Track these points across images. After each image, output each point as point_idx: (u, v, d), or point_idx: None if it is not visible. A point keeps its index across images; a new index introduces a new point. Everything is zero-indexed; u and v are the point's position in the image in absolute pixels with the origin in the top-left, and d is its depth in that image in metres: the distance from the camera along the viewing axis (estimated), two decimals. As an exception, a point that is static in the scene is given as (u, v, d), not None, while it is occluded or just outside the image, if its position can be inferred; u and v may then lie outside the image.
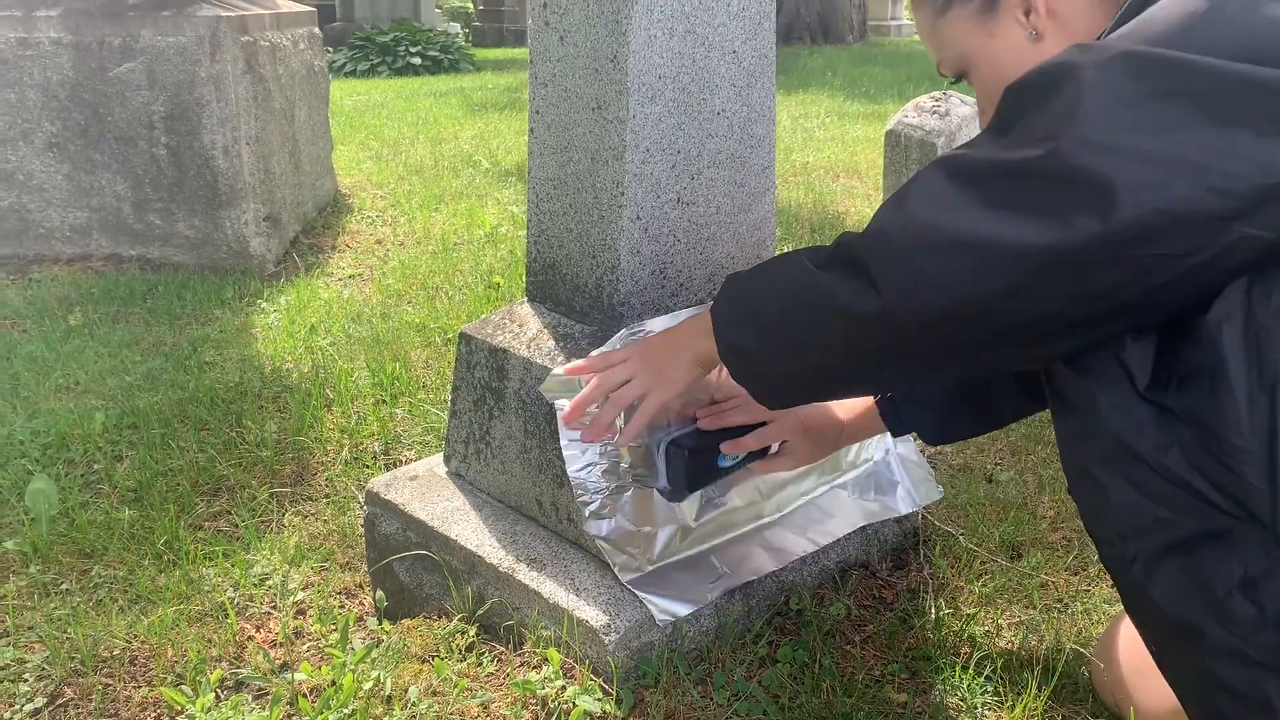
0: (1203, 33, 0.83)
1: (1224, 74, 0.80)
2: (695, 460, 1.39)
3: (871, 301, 0.93)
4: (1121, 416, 0.88)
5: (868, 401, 1.47)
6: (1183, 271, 0.81)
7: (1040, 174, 0.84)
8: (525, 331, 1.55)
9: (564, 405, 1.36)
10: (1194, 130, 0.80)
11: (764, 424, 1.42)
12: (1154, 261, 0.81)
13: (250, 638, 1.61)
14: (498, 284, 3.46)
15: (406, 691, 1.38)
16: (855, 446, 1.68)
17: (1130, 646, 1.30)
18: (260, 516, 2.02)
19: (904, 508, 1.68)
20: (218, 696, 1.46)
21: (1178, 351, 0.86)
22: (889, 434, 1.52)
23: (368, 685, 1.39)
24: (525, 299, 1.64)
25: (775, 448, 1.47)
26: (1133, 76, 0.82)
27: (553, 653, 1.38)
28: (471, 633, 1.48)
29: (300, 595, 1.74)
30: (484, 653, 1.45)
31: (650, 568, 1.44)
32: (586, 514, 1.39)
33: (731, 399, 1.42)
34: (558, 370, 1.38)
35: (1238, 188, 0.79)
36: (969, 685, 1.43)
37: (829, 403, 1.49)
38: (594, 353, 1.39)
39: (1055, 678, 1.42)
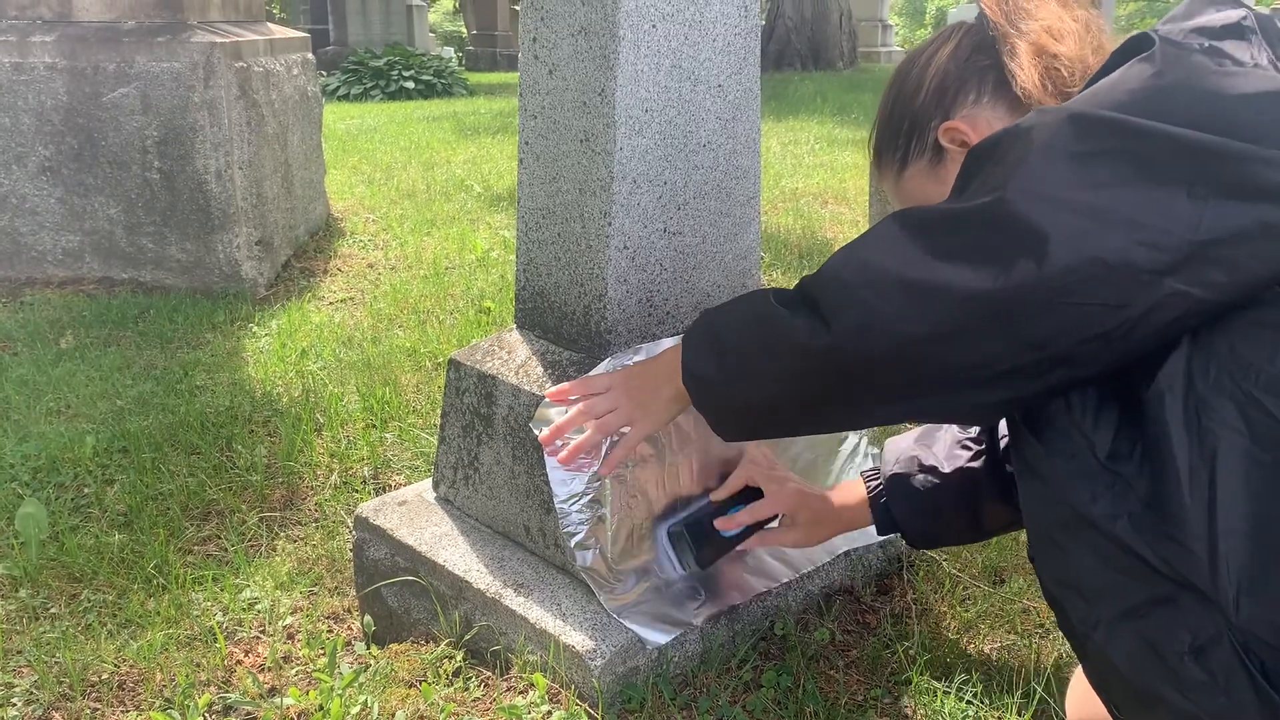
0: (1157, 101, 0.87)
1: (1162, 136, 0.85)
2: (695, 537, 1.46)
3: (821, 336, 0.98)
4: (1078, 484, 0.91)
5: (862, 494, 1.51)
6: (1117, 324, 0.85)
7: (982, 221, 0.89)
8: (514, 358, 1.57)
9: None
10: (1130, 187, 0.85)
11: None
12: (1089, 312, 0.85)
13: (239, 662, 1.62)
14: (489, 308, 3.49)
15: (394, 716, 1.39)
16: (835, 469, 1.71)
17: (1084, 701, 1.31)
18: (250, 541, 2.03)
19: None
20: (206, 721, 1.47)
21: (1132, 422, 0.90)
22: (865, 483, 1.54)
23: (355, 710, 1.40)
24: (515, 325, 1.66)
25: (777, 521, 1.52)
26: (1077, 136, 0.87)
27: (539, 677, 1.39)
28: (459, 657, 1.50)
29: (289, 620, 1.75)
30: (471, 677, 1.47)
31: (634, 595, 1.46)
32: (572, 544, 1.41)
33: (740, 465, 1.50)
34: (547, 402, 1.40)
35: (1168, 243, 0.83)
36: (951, 710, 1.44)
37: (827, 488, 1.55)
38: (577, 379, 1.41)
39: (1035, 702, 1.43)
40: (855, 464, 1.73)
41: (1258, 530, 0.82)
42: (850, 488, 1.53)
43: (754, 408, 1.12)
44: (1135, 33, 0.95)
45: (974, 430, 1.44)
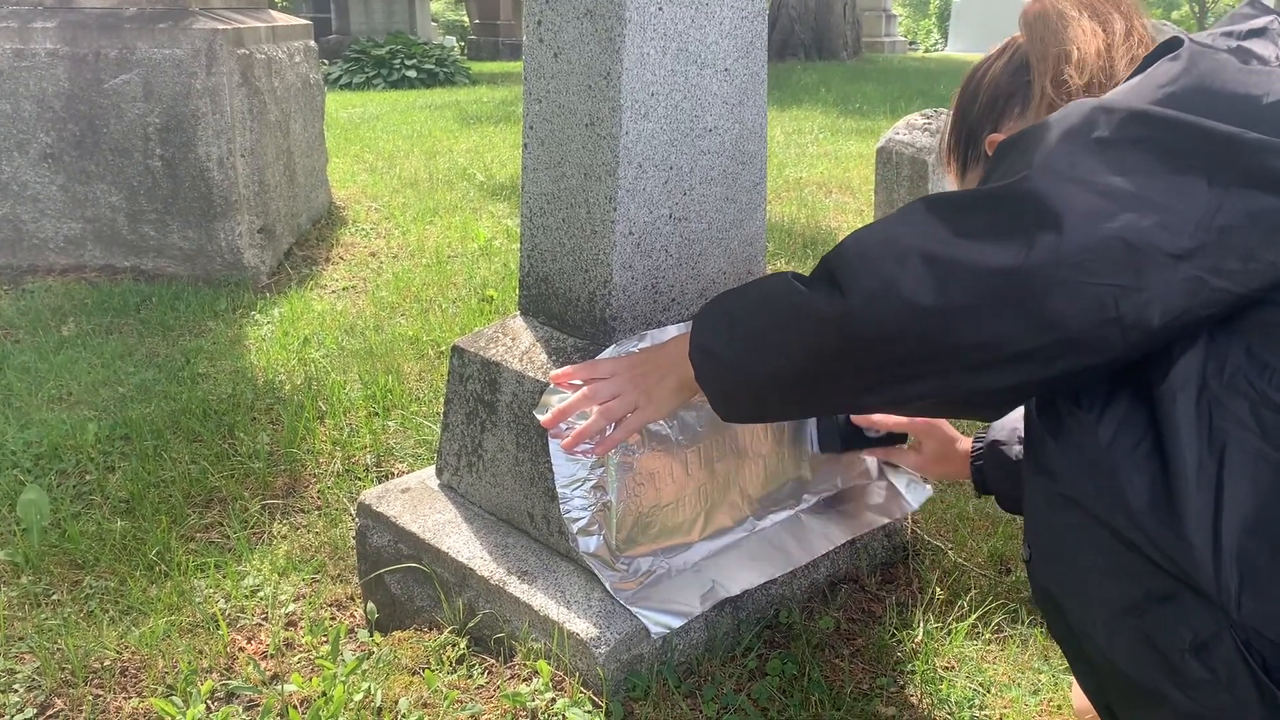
0: (1183, 95, 0.89)
1: (1185, 126, 0.87)
2: (844, 425, 1.63)
3: (837, 304, 0.97)
4: (1083, 478, 0.92)
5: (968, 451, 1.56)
6: (1131, 308, 0.85)
7: (1006, 200, 0.90)
8: (518, 345, 1.56)
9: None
10: (1152, 173, 0.86)
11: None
12: (1104, 293, 0.85)
13: (241, 649, 1.62)
14: (491, 297, 3.47)
15: (397, 703, 1.38)
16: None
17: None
18: (252, 528, 2.03)
19: (896, 511, 1.70)
20: (208, 707, 1.46)
21: (1140, 418, 0.90)
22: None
23: (358, 697, 1.39)
24: (518, 312, 1.65)
25: (908, 443, 1.64)
26: (1103, 124, 0.89)
27: (543, 665, 1.38)
28: (462, 645, 1.49)
29: (291, 607, 1.74)
30: (474, 665, 1.46)
31: (639, 582, 1.45)
32: (574, 529, 1.40)
33: None
34: (551, 389, 1.39)
35: (1184, 227, 0.84)
36: (957, 699, 1.44)
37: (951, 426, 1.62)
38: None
39: (1041, 691, 1.43)
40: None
41: (1261, 528, 0.82)
42: (967, 444, 1.59)
43: (759, 383, 1.11)
44: (1167, 38, 0.97)
45: None
